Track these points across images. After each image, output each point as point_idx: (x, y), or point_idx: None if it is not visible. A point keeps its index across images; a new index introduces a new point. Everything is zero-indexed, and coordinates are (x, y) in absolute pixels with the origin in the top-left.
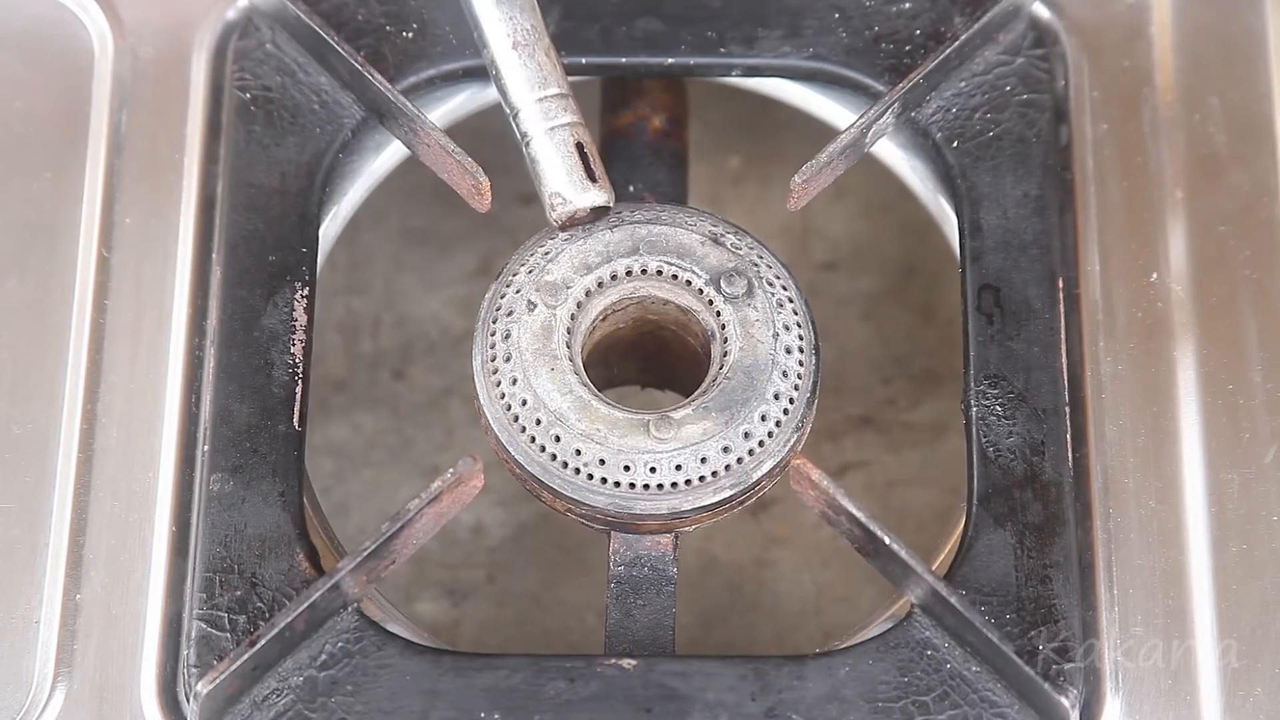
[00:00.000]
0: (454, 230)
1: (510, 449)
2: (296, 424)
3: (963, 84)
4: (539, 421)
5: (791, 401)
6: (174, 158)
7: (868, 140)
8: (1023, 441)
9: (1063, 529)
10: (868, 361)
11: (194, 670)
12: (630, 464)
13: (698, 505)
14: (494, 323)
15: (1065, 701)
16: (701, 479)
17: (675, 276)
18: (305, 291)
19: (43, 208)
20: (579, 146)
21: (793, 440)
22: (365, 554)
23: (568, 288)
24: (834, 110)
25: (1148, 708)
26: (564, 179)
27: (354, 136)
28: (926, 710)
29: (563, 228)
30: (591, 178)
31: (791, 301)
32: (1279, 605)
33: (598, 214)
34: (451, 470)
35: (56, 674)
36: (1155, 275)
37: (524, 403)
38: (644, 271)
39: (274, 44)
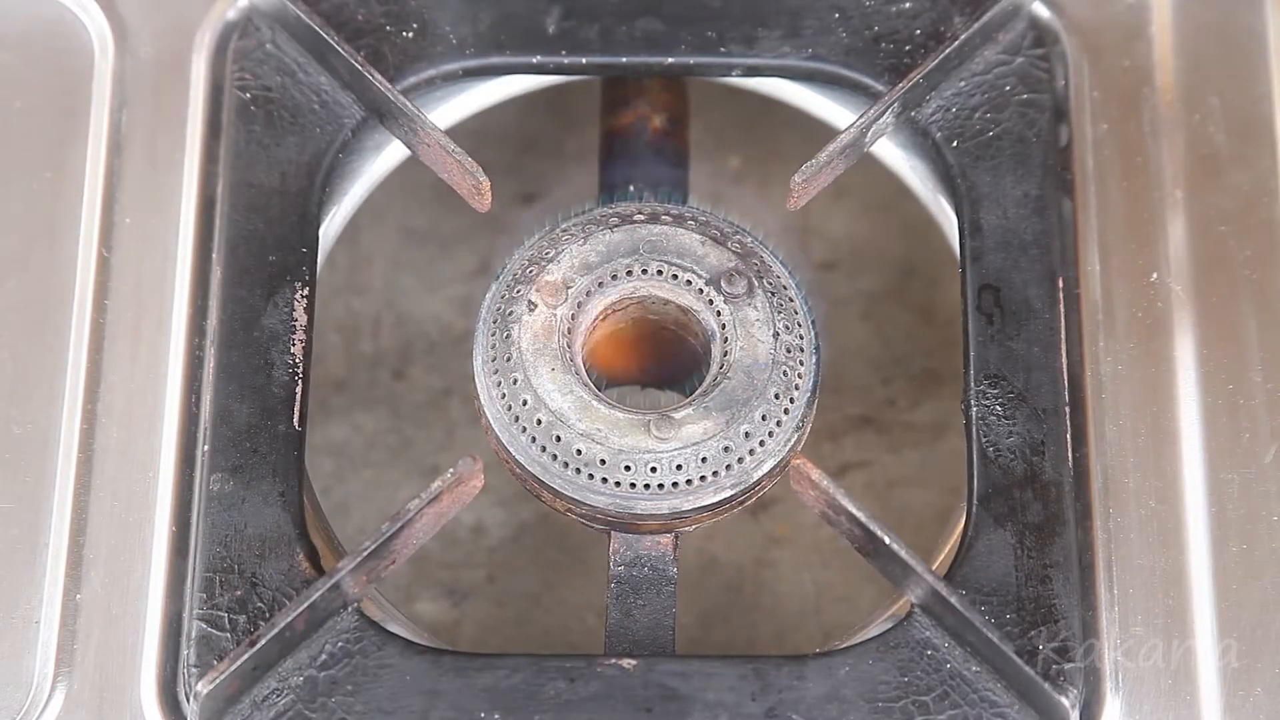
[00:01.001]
0: (454, 230)
1: (511, 449)
2: (296, 424)
3: (962, 84)
4: (539, 421)
5: (792, 401)
6: (174, 158)
7: (867, 140)
8: (1023, 441)
9: (1063, 529)
10: (868, 361)
11: (194, 670)
12: (631, 464)
13: (698, 505)
14: (494, 323)
15: (1065, 701)
16: (702, 479)
17: (675, 276)
18: (305, 291)
19: (43, 208)
20: None
21: (793, 440)
22: (365, 554)
23: (568, 288)
24: (834, 110)
25: (1148, 708)
26: None
27: (354, 136)
28: (926, 710)
29: None
30: None
31: (792, 301)
32: (1279, 605)
33: None
34: (451, 470)
35: (56, 674)
36: (1155, 275)
37: (524, 403)
38: (644, 271)
39: (274, 44)
